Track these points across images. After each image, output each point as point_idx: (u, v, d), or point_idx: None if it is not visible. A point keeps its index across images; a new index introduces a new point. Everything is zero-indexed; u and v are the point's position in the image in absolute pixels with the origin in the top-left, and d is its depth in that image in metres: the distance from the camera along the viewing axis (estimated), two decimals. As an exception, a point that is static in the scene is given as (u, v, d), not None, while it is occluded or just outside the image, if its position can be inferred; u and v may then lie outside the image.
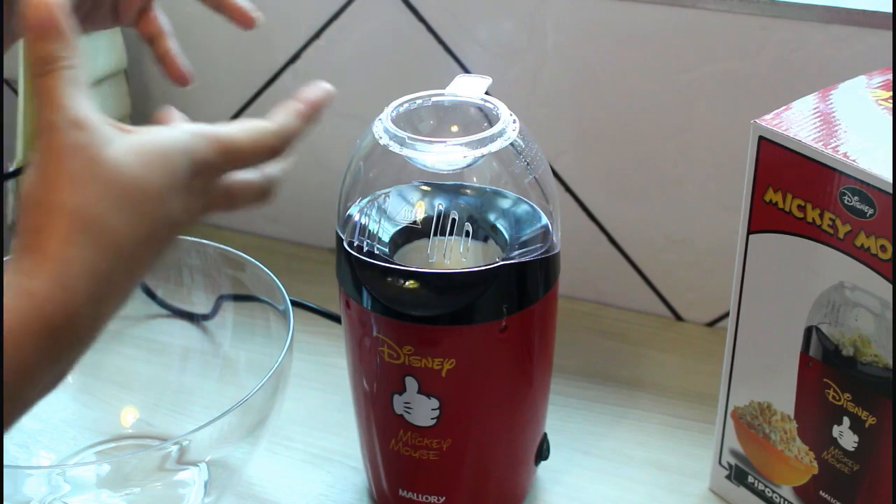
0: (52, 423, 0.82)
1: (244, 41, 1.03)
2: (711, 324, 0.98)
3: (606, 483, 0.81)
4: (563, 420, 0.85)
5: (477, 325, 0.68)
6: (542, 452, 0.78)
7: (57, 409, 0.82)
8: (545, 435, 0.78)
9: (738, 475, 0.77)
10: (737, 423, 0.75)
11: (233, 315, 0.85)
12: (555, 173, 0.95)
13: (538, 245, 0.69)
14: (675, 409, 0.87)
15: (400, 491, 0.75)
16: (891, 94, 0.68)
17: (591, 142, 0.95)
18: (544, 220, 0.71)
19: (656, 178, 0.94)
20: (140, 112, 1.07)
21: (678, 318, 0.99)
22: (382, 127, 0.69)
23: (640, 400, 0.89)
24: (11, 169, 0.95)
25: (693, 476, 0.80)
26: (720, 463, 0.78)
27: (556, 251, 0.71)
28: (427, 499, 0.74)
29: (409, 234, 0.70)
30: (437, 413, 0.70)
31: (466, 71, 0.95)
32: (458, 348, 0.68)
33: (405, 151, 0.67)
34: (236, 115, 1.06)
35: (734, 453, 0.76)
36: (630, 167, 0.94)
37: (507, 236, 0.70)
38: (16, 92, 0.98)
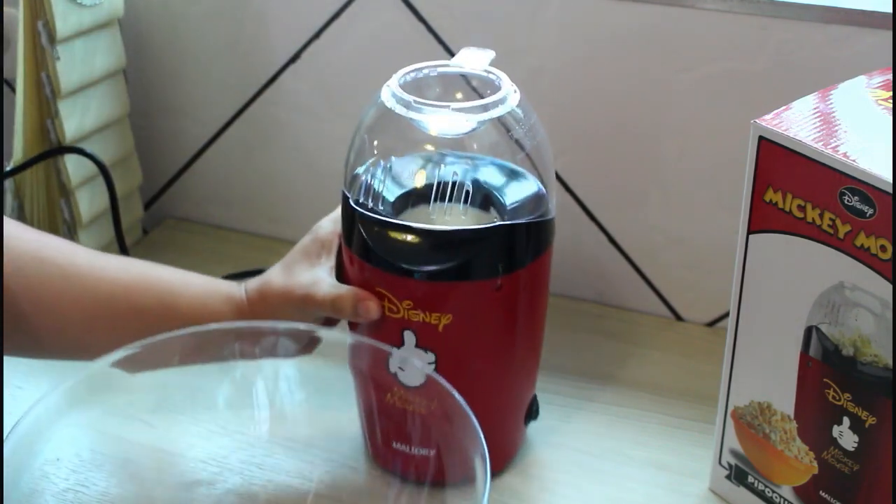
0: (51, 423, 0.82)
1: (244, 41, 1.03)
2: (711, 324, 0.98)
3: (606, 483, 0.81)
4: (563, 420, 0.85)
5: (474, 282, 0.71)
6: (532, 412, 0.80)
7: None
8: (535, 396, 0.80)
9: (738, 475, 0.77)
10: (737, 423, 0.75)
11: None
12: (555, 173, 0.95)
13: (534, 209, 0.72)
14: (675, 409, 0.87)
15: (393, 444, 0.77)
16: (891, 94, 0.68)
17: (591, 142, 0.94)
18: (540, 186, 0.74)
19: (656, 178, 0.94)
20: (139, 111, 1.07)
21: (678, 318, 0.99)
22: (390, 92, 0.72)
23: (640, 400, 0.89)
24: (9, 168, 0.95)
25: (693, 476, 0.80)
26: (720, 463, 0.78)
27: (551, 217, 0.73)
28: (419, 451, 0.76)
29: (412, 198, 0.73)
30: (432, 367, 0.73)
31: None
32: (455, 304, 0.71)
33: (410, 114, 0.70)
34: (236, 115, 1.06)
35: (734, 453, 0.76)
36: (630, 167, 0.94)
37: (504, 201, 0.73)
38: (15, 92, 0.98)
